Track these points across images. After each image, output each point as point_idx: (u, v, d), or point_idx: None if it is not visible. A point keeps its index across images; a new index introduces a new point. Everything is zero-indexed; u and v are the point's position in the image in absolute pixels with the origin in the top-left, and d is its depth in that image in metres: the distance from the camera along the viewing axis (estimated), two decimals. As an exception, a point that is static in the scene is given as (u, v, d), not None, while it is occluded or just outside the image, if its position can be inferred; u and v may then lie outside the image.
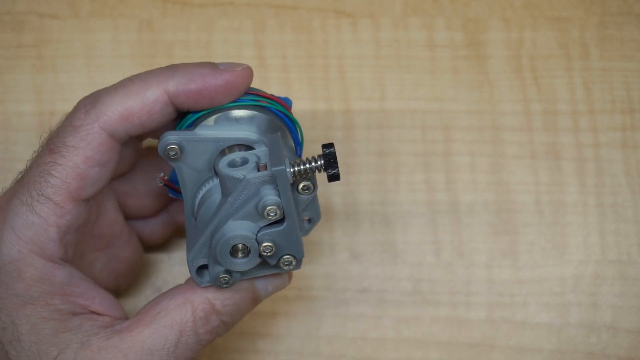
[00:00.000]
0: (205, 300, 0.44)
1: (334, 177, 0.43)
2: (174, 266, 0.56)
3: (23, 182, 0.43)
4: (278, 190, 0.42)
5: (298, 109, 0.57)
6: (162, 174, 0.46)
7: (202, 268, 0.44)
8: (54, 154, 0.43)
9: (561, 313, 0.55)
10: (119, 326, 0.44)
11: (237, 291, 0.45)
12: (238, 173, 0.42)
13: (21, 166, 0.46)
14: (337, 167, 0.42)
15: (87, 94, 0.45)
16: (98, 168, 0.43)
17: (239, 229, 0.42)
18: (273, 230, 0.43)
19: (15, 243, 0.42)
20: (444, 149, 0.57)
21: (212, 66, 0.44)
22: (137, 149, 0.50)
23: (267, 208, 0.41)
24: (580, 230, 0.56)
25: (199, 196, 0.44)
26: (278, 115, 0.45)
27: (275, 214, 0.42)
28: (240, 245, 0.42)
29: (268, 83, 0.58)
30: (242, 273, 0.44)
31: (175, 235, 0.55)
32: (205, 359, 0.55)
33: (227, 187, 0.42)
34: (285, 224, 0.42)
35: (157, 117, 0.43)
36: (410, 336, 0.55)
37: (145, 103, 0.43)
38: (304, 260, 0.55)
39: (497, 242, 0.56)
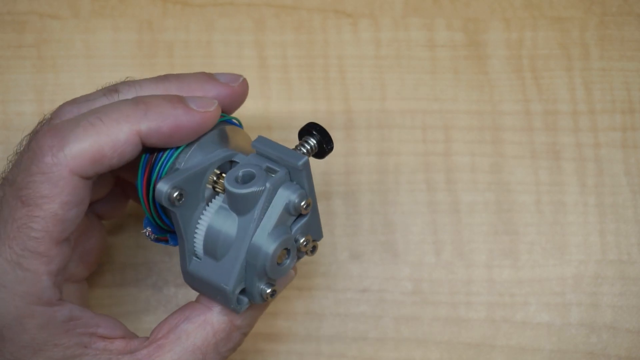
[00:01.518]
0: (225, 321, 0.44)
1: (330, 150, 0.44)
2: (174, 266, 0.56)
3: (0, 237, 0.42)
4: (296, 184, 0.42)
5: (299, 109, 0.57)
6: (148, 230, 0.45)
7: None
8: (28, 206, 0.41)
9: (561, 313, 0.55)
10: (139, 354, 0.43)
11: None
12: (257, 186, 0.42)
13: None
14: (331, 139, 0.44)
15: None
16: (75, 209, 0.42)
17: (276, 237, 0.42)
18: (301, 222, 0.43)
19: (11, 300, 0.42)
20: (444, 149, 0.57)
21: (185, 106, 0.43)
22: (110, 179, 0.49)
23: (302, 203, 0.42)
24: (580, 230, 0.56)
25: (201, 233, 0.44)
26: (227, 122, 0.46)
27: (309, 205, 0.42)
28: (281, 251, 0.43)
29: (268, 83, 0.58)
30: None
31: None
32: None
33: (245, 204, 0.42)
34: (309, 213, 0.43)
35: (127, 158, 0.42)
36: (411, 336, 0.55)
37: (117, 145, 0.42)
38: (304, 260, 0.55)
39: (497, 242, 0.56)
